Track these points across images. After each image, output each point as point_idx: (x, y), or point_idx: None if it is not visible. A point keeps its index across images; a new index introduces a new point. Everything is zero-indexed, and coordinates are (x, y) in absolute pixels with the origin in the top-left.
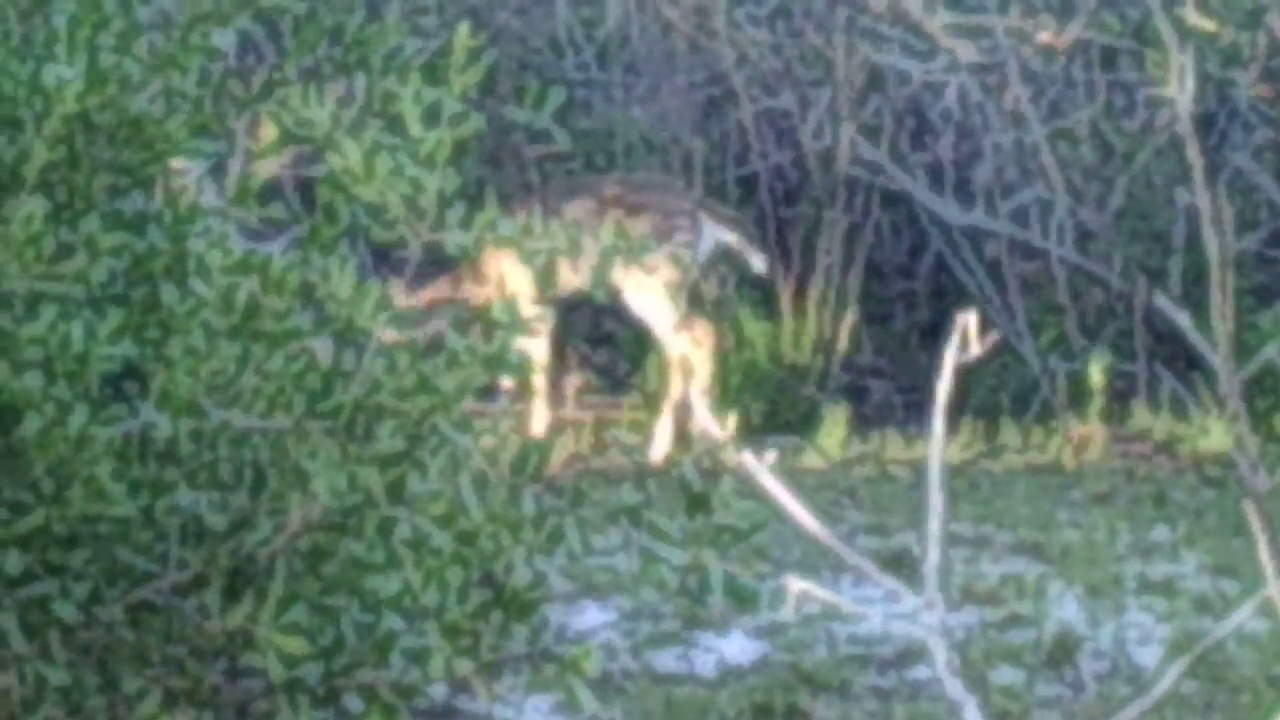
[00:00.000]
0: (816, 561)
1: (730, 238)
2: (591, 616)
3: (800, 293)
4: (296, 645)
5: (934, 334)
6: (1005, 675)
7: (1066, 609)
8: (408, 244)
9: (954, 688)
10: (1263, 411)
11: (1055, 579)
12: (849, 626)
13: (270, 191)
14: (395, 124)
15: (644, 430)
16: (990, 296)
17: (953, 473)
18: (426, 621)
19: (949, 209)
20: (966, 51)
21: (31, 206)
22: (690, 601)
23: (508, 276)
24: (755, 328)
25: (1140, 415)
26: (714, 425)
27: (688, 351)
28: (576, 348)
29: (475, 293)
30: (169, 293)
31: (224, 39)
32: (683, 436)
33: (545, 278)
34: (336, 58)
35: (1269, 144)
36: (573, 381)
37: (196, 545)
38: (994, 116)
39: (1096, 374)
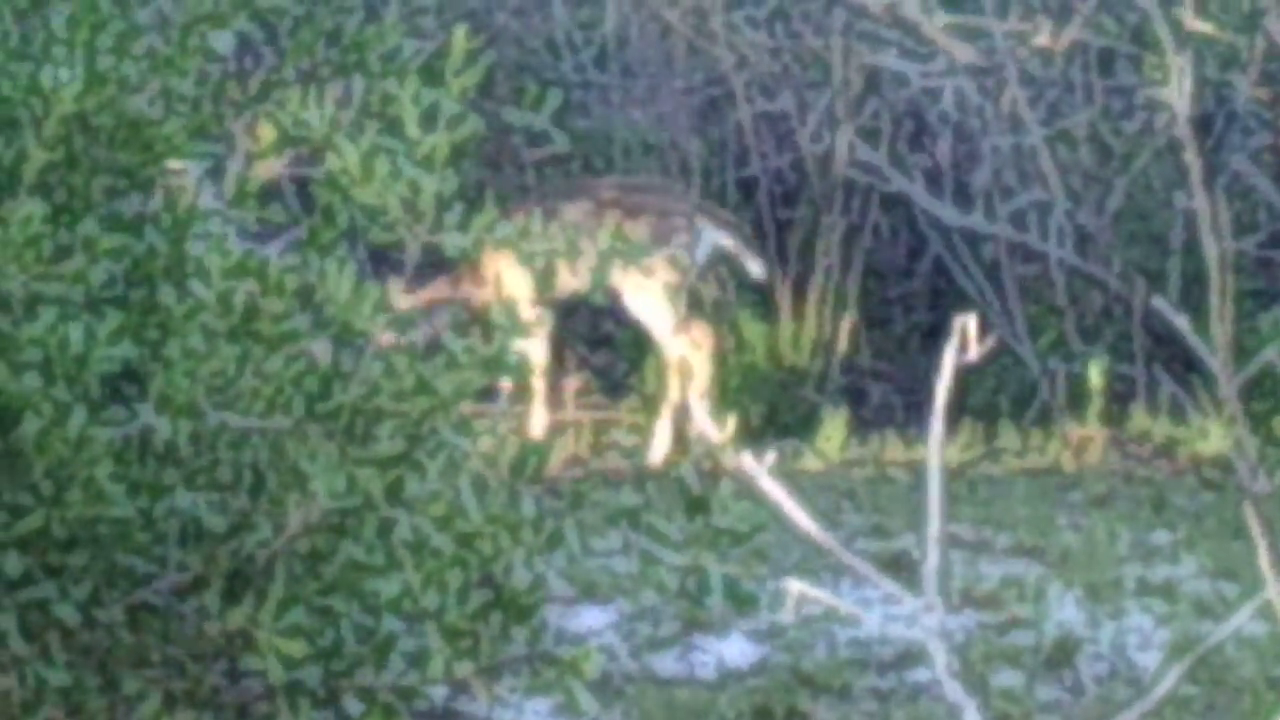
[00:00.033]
0: (816, 564)
1: (727, 242)
2: (591, 619)
3: (799, 295)
4: (296, 647)
5: (933, 336)
6: (1005, 678)
7: (1066, 612)
8: (406, 246)
9: (954, 690)
10: (1261, 414)
11: (1055, 581)
12: (848, 629)
13: (268, 193)
14: (393, 126)
15: (643, 432)
16: (989, 299)
17: (952, 475)
18: (426, 623)
19: (947, 211)
20: (965, 54)
21: (30, 208)
22: (690, 604)
23: (506, 278)
24: (754, 330)
25: (1139, 418)
26: (713, 427)
27: (686, 354)
28: (575, 350)
29: (474, 294)
30: (167, 294)
31: (222, 40)
32: (682, 439)
33: (544, 280)
34: (334, 59)
35: (1267, 147)
36: (571, 383)
37: (196, 547)
38: (992, 119)
39: (1095, 376)
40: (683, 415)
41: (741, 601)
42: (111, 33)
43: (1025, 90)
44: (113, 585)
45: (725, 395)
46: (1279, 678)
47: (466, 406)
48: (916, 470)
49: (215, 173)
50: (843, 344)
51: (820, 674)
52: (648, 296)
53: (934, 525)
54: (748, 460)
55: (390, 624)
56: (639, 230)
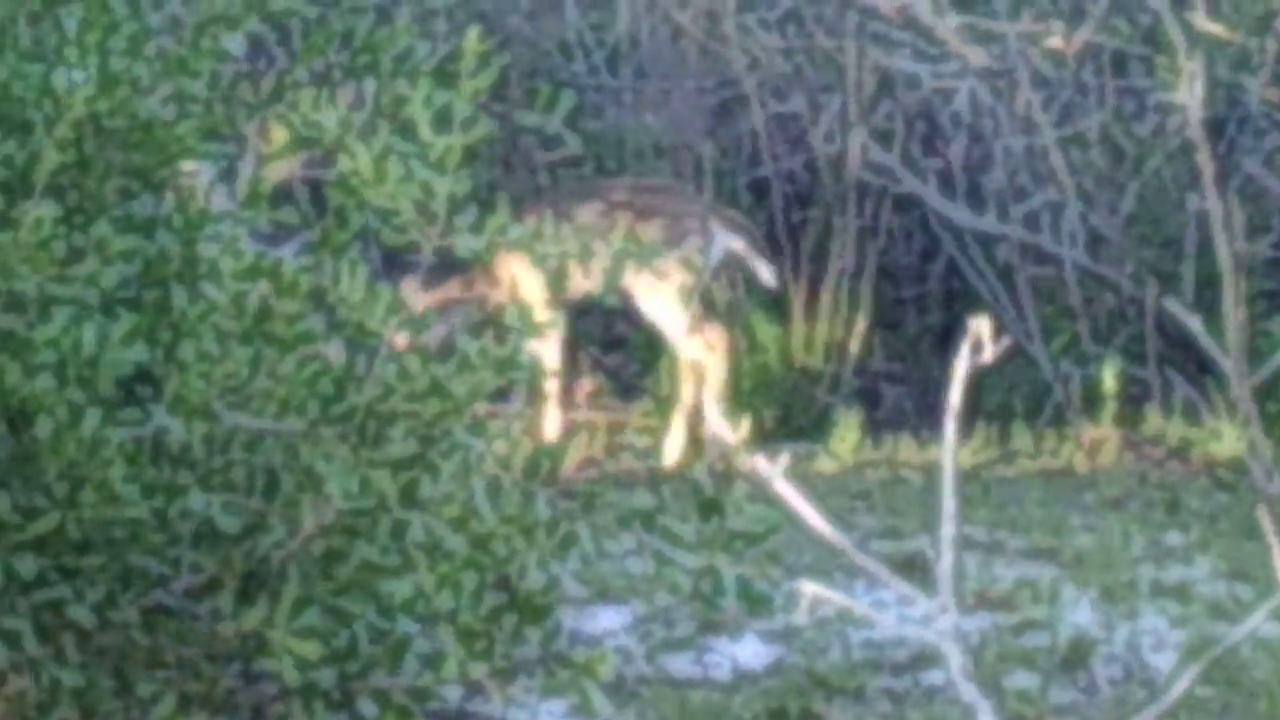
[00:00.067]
0: (829, 566)
1: (739, 246)
2: (605, 620)
3: (812, 297)
4: (310, 649)
5: (946, 338)
6: (1019, 680)
7: (1080, 613)
8: (419, 248)
9: (968, 692)
10: (1275, 415)
11: (1069, 583)
12: (863, 631)
13: (281, 195)
14: (406, 128)
15: (656, 434)
16: (1002, 301)
17: (965, 477)
18: (440, 625)
19: (960, 213)
20: (977, 56)
21: (42, 210)
22: (704, 605)
23: (519, 280)
24: (767, 332)
25: (1153, 420)
26: (726, 430)
27: (700, 356)
28: (589, 351)
29: (487, 295)
30: (180, 296)
31: (234, 42)
32: (695, 441)
33: (557, 281)
34: (347, 61)
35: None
36: (585, 385)
37: (210, 549)
38: (1005, 121)
39: (1109, 379)
40: (696, 417)
41: (756, 603)
42: (124, 35)
43: (1038, 92)
44: (127, 587)
45: (738, 397)
46: None
47: (480, 408)
48: (930, 472)
49: (228, 174)
50: (856, 346)
51: (834, 675)
52: (661, 298)
53: (948, 527)
54: (761, 462)
55: (405, 625)
56: (652, 232)
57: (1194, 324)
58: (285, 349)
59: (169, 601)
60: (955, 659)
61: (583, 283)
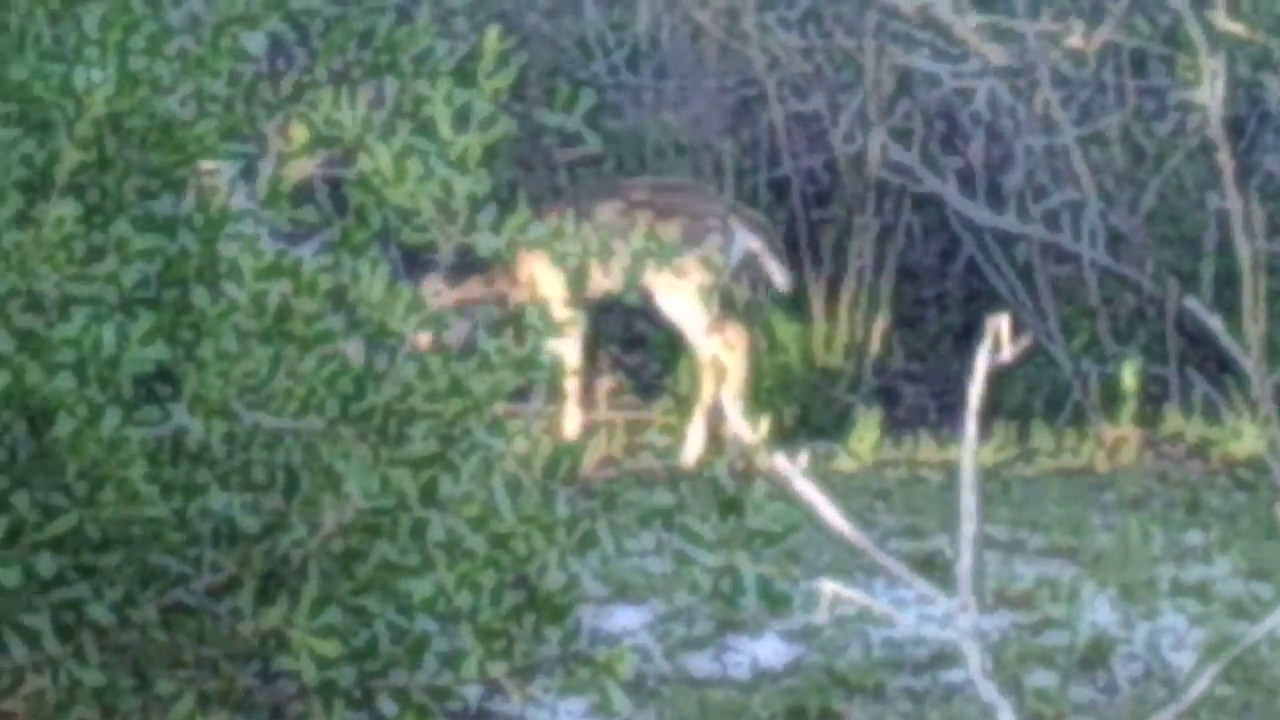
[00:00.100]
0: (849, 564)
1: (757, 245)
2: (625, 619)
3: (832, 296)
4: (330, 647)
5: (966, 337)
6: (1039, 678)
7: (1100, 612)
8: (439, 246)
9: (987, 691)
10: None
11: (1089, 582)
12: (882, 629)
13: (301, 194)
14: (426, 127)
15: (676, 433)
16: (1022, 300)
17: (985, 476)
18: (460, 624)
19: (980, 212)
20: (997, 55)
21: (62, 209)
22: (724, 604)
23: (540, 279)
24: (787, 331)
25: (1173, 419)
26: (746, 428)
27: (719, 354)
28: (608, 350)
29: (508, 294)
30: (200, 295)
31: (254, 41)
32: (715, 439)
33: (577, 280)
34: (367, 60)
35: None
36: (605, 384)
37: (229, 547)
38: (1025, 120)
39: (1129, 377)
40: (716, 416)
41: (775, 602)
42: (144, 34)
43: (1058, 91)
44: (146, 586)
45: (758, 396)
46: None
47: (500, 407)
48: (950, 471)
49: (248, 173)
50: (876, 345)
51: (854, 674)
52: (681, 297)
53: (967, 526)
54: (781, 461)
55: (424, 624)
56: (671, 231)
57: (1214, 323)
58: (305, 348)
59: (188, 600)
60: (975, 658)
61: (603, 281)
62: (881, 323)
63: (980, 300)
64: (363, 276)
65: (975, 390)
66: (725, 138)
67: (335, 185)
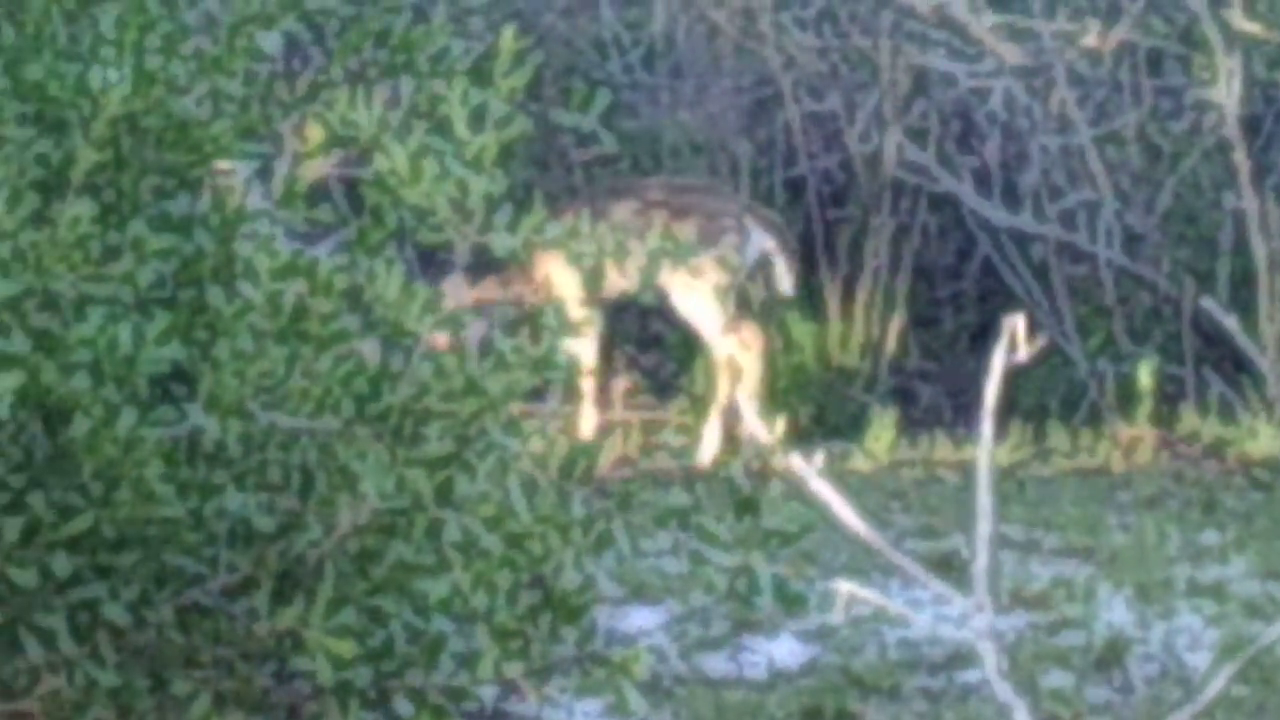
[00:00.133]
0: (865, 564)
1: (770, 245)
2: (640, 619)
3: (848, 296)
4: (346, 648)
5: (982, 337)
6: (1055, 678)
7: (1116, 612)
8: (455, 246)
9: (1003, 691)
10: None
11: (1104, 582)
12: (898, 629)
13: (317, 194)
14: (442, 126)
15: (692, 433)
16: (1038, 299)
17: (1001, 476)
18: (476, 624)
19: (996, 212)
20: (1013, 55)
21: (78, 209)
22: (739, 604)
23: (555, 279)
24: (803, 330)
25: (1188, 418)
26: (762, 428)
27: (735, 354)
28: (624, 350)
29: (524, 294)
30: (216, 295)
31: (270, 41)
32: (731, 439)
33: (592, 280)
34: (383, 60)
35: None
36: (620, 384)
37: (245, 547)
38: (1041, 119)
39: (1145, 377)
40: (732, 416)
41: (791, 602)
42: (159, 34)
43: (1073, 91)
44: (162, 586)
45: (774, 396)
46: None
47: (516, 407)
48: (966, 471)
49: (263, 173)
50: (891, 344)
51: (870, 675)
52: (696, 297)
53: (983, 526)
54: (797, 461)
55: (440, 624)
56: (687, 230)
57: (1230, 322)
58: (321, 348)
59: (204, 600)
60: (990, 658)
61: (619, 281)
62: (897, 322)
63: (996, 300)
64: (378, 276)
65: (991, 390)
66: (741, 137)
67: (351, 185)
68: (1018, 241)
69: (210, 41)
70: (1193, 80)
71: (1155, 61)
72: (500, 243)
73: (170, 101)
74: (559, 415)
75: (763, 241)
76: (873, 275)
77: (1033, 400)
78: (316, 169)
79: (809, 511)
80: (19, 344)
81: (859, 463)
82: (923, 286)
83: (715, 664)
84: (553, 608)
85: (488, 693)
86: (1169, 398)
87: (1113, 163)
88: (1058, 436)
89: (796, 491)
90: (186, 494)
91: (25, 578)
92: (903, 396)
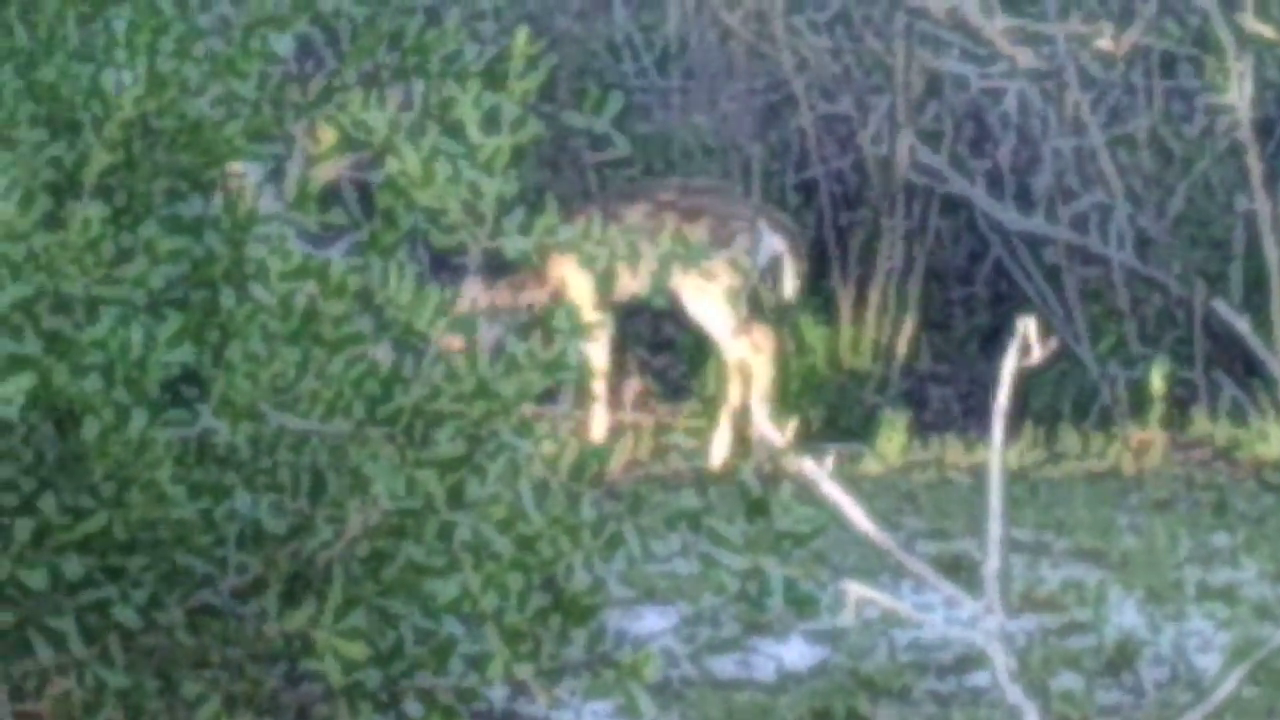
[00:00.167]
0: (876, 567)
1: (780, 247)
2: (651, 622)
3: (860, 298)
4: (356, 650)
5: (994, 340)
6: (1065, 681)
7: (1126, 615)
8: (467, 249)
9: (1014, 694)
10: None
11: (1115, 585)
12: (909, 632)
13: (329, 196)
14: (454, 129)
15: (703, 436)
16: (1050, 302)
17: (1012, 478)
18: (486, 626)
19: (1008, 215)
20: (1026, 57)
21: (90, 211)
22: (750, 607)
23: (568, 281)
24: (815, 333)
25: (1200, 421)
26: (773, 431)
27: (747, 357)
28: (636, 353)
29: (536, 297)
30: (228, 297)
31: (283, 44)
32: (742, 442)
33: (605, 283)
34: (395, 63)
35: None
36: (632, 387)
37: (256, 549)
38: (1053, 122)
39: (1156, 380)
40: (743, 418)
41: (801, 604)
42: (172, 36)
43: (1086, 93)
44: (173, 587)
45: (785, 398)
46: None
47: (527, 409)
48: (977, 473)
49: (276, 175)
50: (903, 347)
51: (880, 677)
52: (708, 299)
53: (994, 528)
54: (808, 463)
55: (450, 626)
56: (699, 233)
57: (1242, 325)
58: (333, 350)
59: (215, 602)
60: (1001, 660)
61: (630, 284)
62: (909, 325)
63: (1008, 303)
64: (390, 279)
65: (1003, 393)
66: (754, 140)
67: (363, 187)
68: (1030, 244)
69: (223, 44)
70: (1205, 83)
71: (1168, 64)
72: (512, 245)
73: (183, 103)
74: (570, 418)
75: (774, 244)
76: (885, 278)
77: (1044, 403)
78: (329, 171)
79: (820, 514)
80: (31, 346)
81: (870, 465)
82: (935, 289)
83: (725, 666)
84: (563, 610)
85: (498, 694)
86: (1180, 401)
87: (1125, 165)
88: (1069, 439)
89: (807, 494)
90: (197, 496)
91: (36, 579)
92: (914, 399)
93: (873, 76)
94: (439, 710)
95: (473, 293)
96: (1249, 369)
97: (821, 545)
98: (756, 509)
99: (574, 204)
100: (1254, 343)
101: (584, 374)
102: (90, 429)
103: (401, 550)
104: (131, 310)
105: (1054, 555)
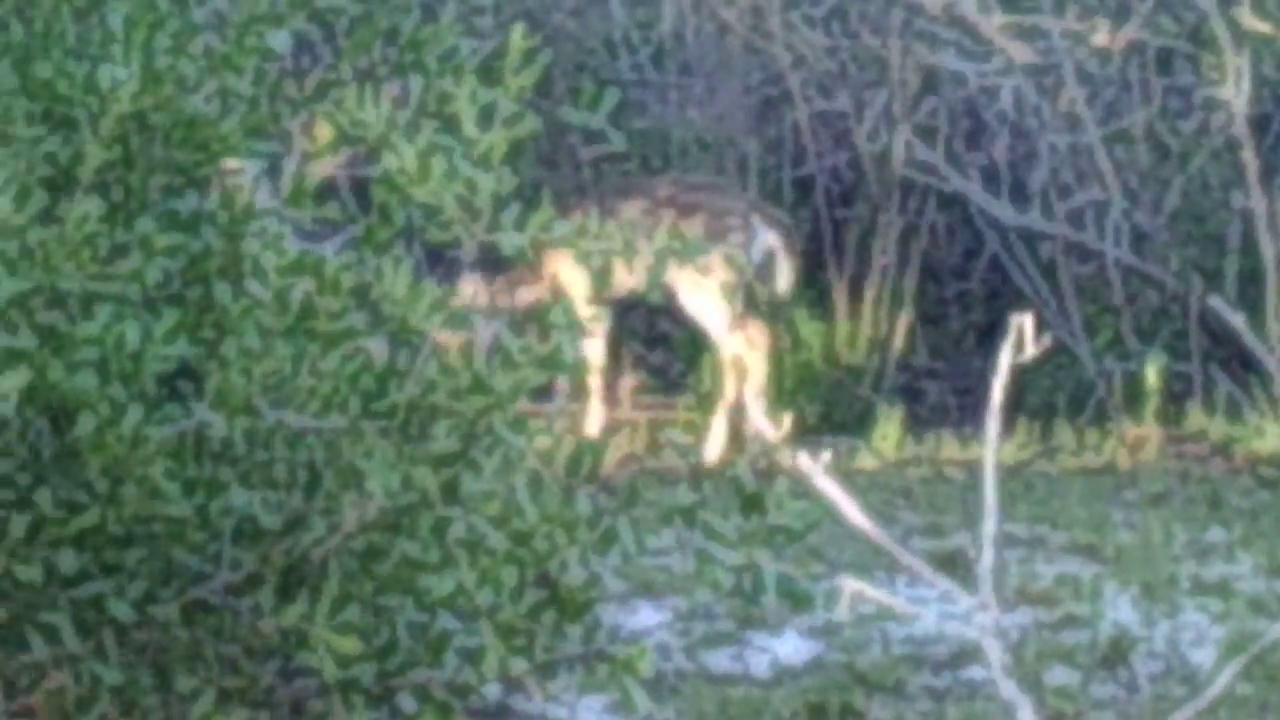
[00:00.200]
0: (870, 562)
1: (775, 243)
2: (646, 617)
3: (855, 294)
4: (351, 645)
5: (989, 335)
6: (1060, 676)
7: (1121, 610)
8: (463, 244)
9: (1008, 688)
10: None
11: (1110, 580)
12: (903, 627)
13: (325, 192)
14: (450, 125)
15: (698, 431)
16: (1045, 298)
17: (1008, 474)
18: (481, 621)
19: (1004, 210)
20: (1022, 53)
21: (87, 206)
22: (744, 602)
23: (564, 277)
24: (810, 328)
25: (1195, 417)
26: (768, 426)
27: (742, 352)
28: (631, 348)
29: (532, 293)
30: (224, 293)
31: (279, 40)
32: (737, 437)
33: (600, 278)
34: (392, 59)
35: None
36: (628, 382)
37: (251, 545)
38: (1049, 118)
39: (1152, 375)
40: (738, 413)
41: (796, 599)
42: (168, 32)
43: (1083, 89)
44: (167, 583)
45: (781, 394)
46: None
47: (523, 405)
48: (972, 469)
49: (272, 171)
50: (899, 343)
51: (875, 672)
52: (704, 295)
53: (989, 523)
54: (803, 458)
55: (445, 622)
56: (694, 228)
57: (1237, 321)
58: (328, 345)
59: (209, 598)
60: (995, 655)
61: (626, 280)
62: (905, 320)
63: (1004, 298)
64: (386, 274)
65: (998, 388)
66: (750, 136)
67: (359, 183)
68: (1026, 240)
69: (219, 40)
70: (1202, 79)
71: (1164, 60)
72: (508, 241)
73: (179, 100)
74: (566, 413)
75: (769, 239)
76: (880, 273)
77: (1039, 398)
78: (325, 167)
79: (815, 509)
80: (26, 341)
81: (865, 460)
82: (930, 285)
83: (720, 661)
84: (558, 605)
85: (492, 689)
86: (1176, 396)
87: (1121, 161)
88: (1064, 434)
89: (802, 489)
90: (192, 491)
91: (30, 574)
92: (909, 394)
93: (869, 72)
94: (433, 705)
95: (470, 289)
96: (1244, 364)
97: (816, 540)
98: (751, 504)
99: (570, 200)
100: (1249, 338)
101: (579, 370)
102: (85, 424)
103: (396, 545)
104: (127, 306)
105: (1049, 550)
